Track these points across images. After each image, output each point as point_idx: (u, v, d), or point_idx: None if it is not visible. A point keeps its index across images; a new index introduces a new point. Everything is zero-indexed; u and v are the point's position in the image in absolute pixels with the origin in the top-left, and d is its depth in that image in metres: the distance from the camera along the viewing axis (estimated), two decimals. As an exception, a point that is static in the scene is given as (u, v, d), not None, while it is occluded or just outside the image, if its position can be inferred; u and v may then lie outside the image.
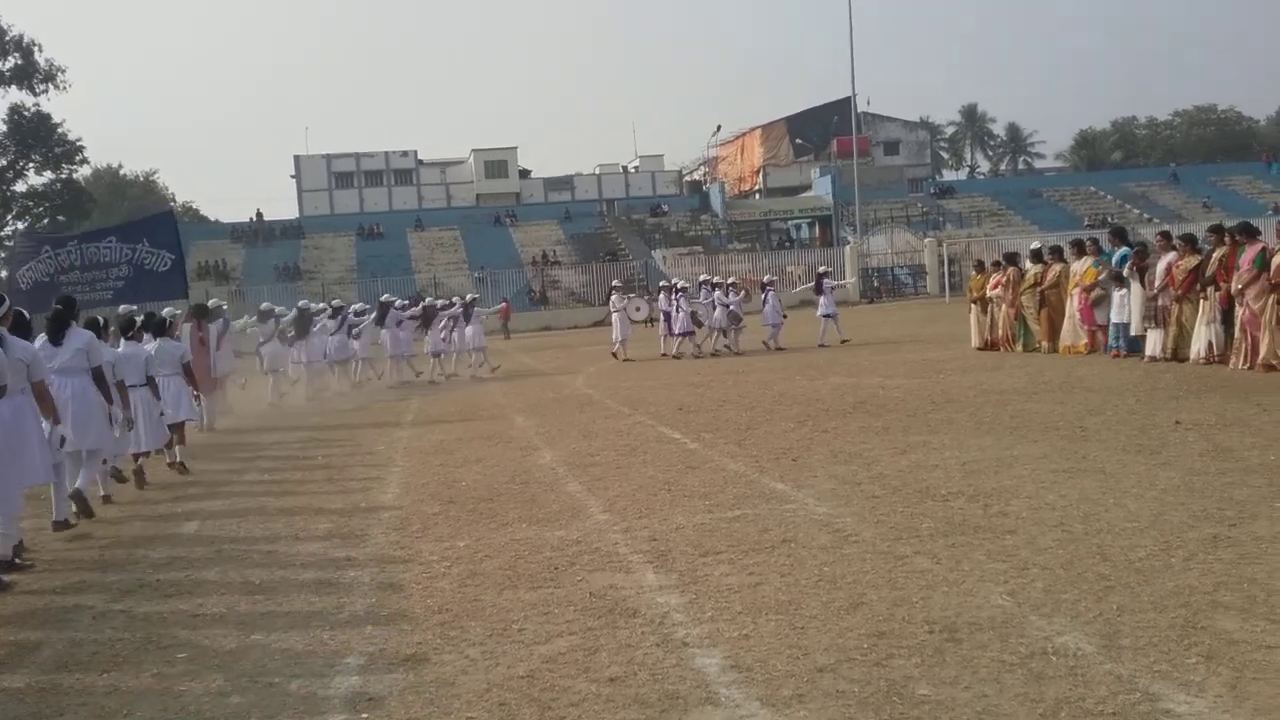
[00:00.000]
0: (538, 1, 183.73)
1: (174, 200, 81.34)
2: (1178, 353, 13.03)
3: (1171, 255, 13.28)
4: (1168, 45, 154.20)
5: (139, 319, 10.71)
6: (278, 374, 17.67)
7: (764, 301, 21.68)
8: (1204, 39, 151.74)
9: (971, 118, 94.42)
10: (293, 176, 73.35)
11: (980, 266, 19.06)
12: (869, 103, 72.00)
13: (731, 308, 21.23)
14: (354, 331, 19.82)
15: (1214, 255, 12.57)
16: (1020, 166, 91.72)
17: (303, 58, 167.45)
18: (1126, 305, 14.22)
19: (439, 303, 22.37)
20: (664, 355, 21.56)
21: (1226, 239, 12.41)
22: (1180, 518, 5.31)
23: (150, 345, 10.19)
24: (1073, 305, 15.49)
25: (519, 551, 5.85)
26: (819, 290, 22.11)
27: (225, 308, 17.35)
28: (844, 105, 60.86)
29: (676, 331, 21.14)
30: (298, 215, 68.79)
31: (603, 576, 5.20)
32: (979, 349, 17.61)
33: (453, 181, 75.66)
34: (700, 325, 21.31)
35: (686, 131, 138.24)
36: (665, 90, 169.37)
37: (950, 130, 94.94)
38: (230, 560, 6.33)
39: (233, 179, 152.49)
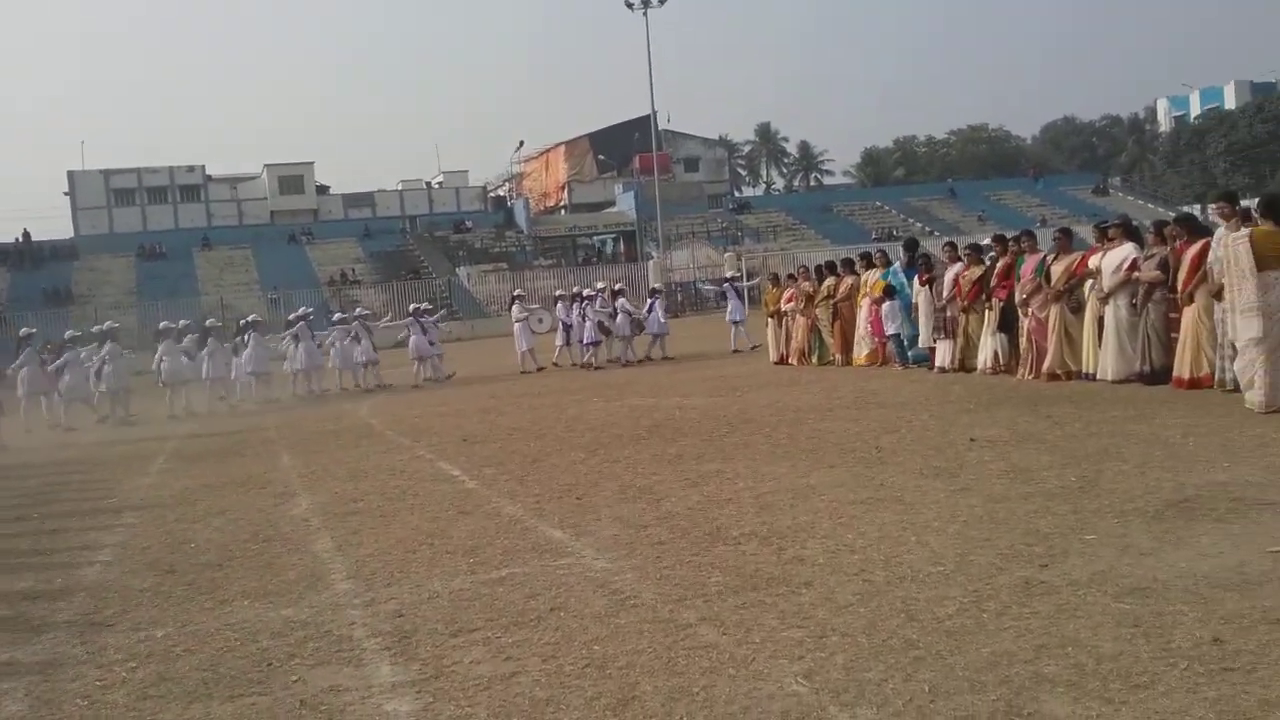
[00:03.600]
0: (332, 14, 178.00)
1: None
2: (965, 363, 13.07)
3: (958, 266, 13.33)
4: (942, 68, 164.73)
5: None
6: (175, 388, 18.61)
7: (649, 310, 21.35)
8: (974, 62, 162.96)
9: (766, 136, 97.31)
10: (66, 194, 67.33)
11: (775, 280, 18.94)
12: (669, 120, 72.83)
13: (634, 315, 20.87)
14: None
15: (995, 264, 12.67)
16: (812, 183, 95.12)
17: (79, 69, 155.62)
18: (899, 316, 14.28)
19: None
20: (555, 365, 21.02)
21: (1010, 248, 12.51)
22: (987, 557, 4.79)
23: None
24: (863, 317, 15.48)
25: (229, 641, 4.76)
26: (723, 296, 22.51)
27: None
28: (645, 123, 61.18)
29: (585, 341, 20.40)
30: (72, 235, 63.19)
31: (325, 673, 4.20)
32: (776, 363, 17.44)
33: (244, 198, 71.40)
34: (608, 334, 20.60)
35: (490, 147, 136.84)
36: (468, 105, 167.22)
37: (747, 148, 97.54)
38: None
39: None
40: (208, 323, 20.80)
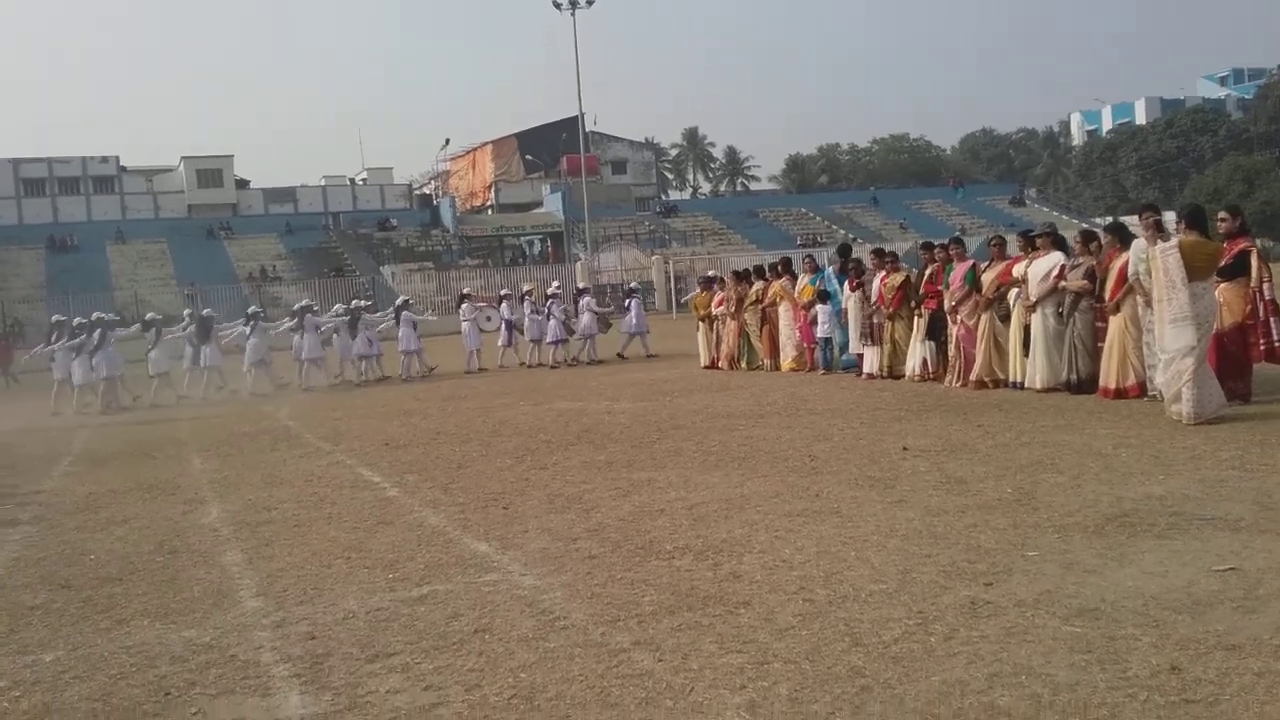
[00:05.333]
0: (257, 8, 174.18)
1: None
2: (893, 370, 13.06)
3: (882, 272, 13.34)
4: (865, 78, 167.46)
5: None
6: (163, 377, 19.05)
7: (628, 308, 21.43)
8: (896, 73, 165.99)
9: (693, 140, 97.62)
10: (-28, 183, 64.55)
11: (706, 283, 18.83)
12: (596, 122, 72.74)
13: (601, 314, 20.98)
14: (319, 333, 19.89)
15: (924, 272, 12.68)
16: (738, 188, 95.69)
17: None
18: (831, 321, 14.30)
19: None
20: (501, 366, 20.96)
21: (938, 254, 12.51)
22: (930, 575, 4.65)
23: None
24: (788, 322, 15.46)
25: (124, 667, 4.39)
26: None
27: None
28: (572, 124, 60.92)
29: (549, 340, 20.36)
30: (-24, 226, 60.65)
31: (228, 704, 3.88)
32: (706, 367, 17.32)
33: (161, 191, 69.26)
34: (573, 333, 20.58)
35: (416, 144, 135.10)
36: (393, 101, 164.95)
37: (674, 152, 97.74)
38: None
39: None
40: (205, 313, 20.67)
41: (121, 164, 69.03)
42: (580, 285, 22.67)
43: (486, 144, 76.51)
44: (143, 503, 8.60)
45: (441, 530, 6.56)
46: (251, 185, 72.70)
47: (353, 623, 4.73)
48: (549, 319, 20.41)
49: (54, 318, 20.62)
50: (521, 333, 21.22)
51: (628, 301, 21.94)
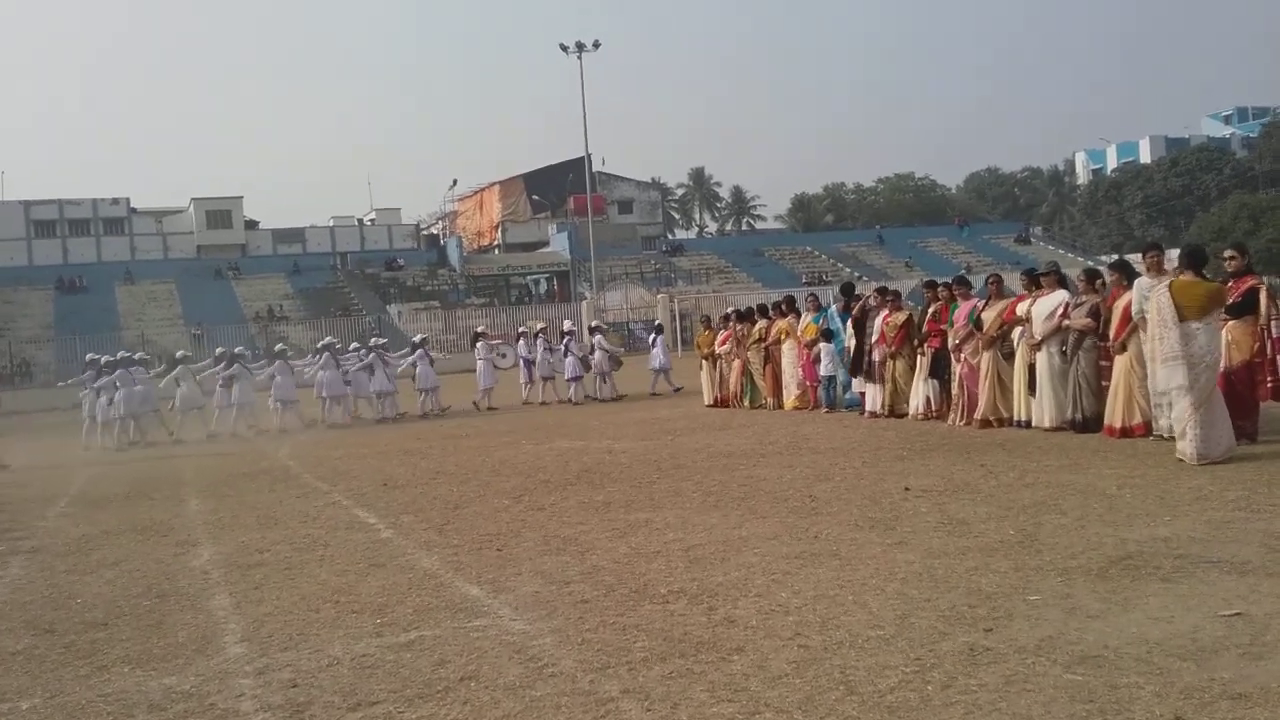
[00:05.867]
0: (267, 50, 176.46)
1: None
2: (894, 409, 12.95)
3: (885, 311, 13.27)
4: (871, 117, 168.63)
5: None
6: (188, 413, 19.39)
7: (653, 344, 21.78)
8: (902, 112, 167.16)
9: (699, 180, 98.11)
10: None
11: (708, 322, 18.81)
12: (603, 162, 73.27)
13: (612, 352, 21.30)
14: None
15: (928, 310, 12.61)
16: (744, 227, 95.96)
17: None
18: (834, 359, 14.21)
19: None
20: (525, 403, 21.07)
21: (941, 293, 12.45)
22: (929, 620, 4.52)
23: None
24: (791, 361, 15.39)
25: (101, 716, 4.27)
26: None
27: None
28: (579, 164, 61.30)
29: (568, 376, 20.71)
30: (-14, 267, 61.13)
31: (203, 756, 3.77)
32: (710, 406, 17.24)
33: (170, 232, 69.92)
34: (588, 369, 20.90)
35: (424, 185, 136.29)
36: (402, 143, 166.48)
37: (680, 191, 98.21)
38: None
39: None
40: (236, 350, 20.99)
41: (132, 206, 69.69)
42: (593, 324, 22.95)
43: (494, 184, 77.07)
44: (135, 544, 8.49)
45: (434, 573, 6.44)
46: (261, 226, 73.27)
47: (337, 670, 4.62)
48: (566, 356, 20.73)
49: (88, 356, 20.96)
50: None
51: (653, 337, 22.25)
